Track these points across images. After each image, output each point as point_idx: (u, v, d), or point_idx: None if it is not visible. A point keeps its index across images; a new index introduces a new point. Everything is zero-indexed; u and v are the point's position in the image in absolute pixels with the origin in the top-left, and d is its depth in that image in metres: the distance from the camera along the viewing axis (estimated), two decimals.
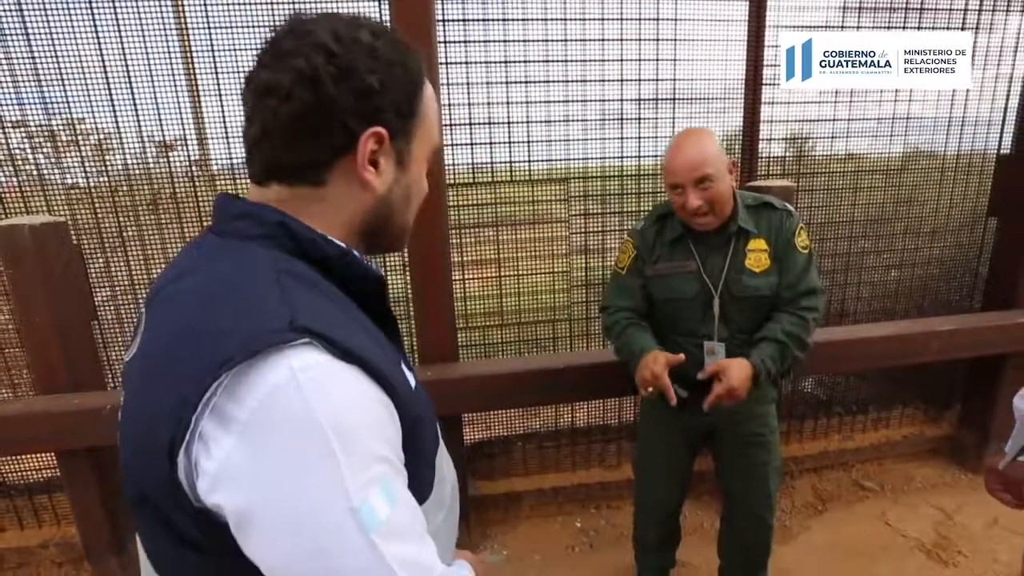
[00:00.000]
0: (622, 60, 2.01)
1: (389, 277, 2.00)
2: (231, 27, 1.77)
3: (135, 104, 1.83)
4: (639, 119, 2.08)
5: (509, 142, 2.02)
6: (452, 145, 1.97)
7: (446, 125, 1.90)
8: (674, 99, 2.08)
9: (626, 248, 1.49)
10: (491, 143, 2.01)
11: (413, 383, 0.57)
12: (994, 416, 2.44)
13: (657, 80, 2.05)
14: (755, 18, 2.03)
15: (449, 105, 1.92)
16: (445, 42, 1.85)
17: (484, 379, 1.87)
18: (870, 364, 2.19)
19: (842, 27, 2.12)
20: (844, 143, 2.31)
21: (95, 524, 1.85)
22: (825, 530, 2.18)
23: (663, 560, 1.80)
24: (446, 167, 1.89)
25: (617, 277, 1.50)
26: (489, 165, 2.05)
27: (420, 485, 0.55)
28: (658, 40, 2.01)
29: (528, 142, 2.04)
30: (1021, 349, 2.30)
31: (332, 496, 0.43)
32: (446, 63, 1.87)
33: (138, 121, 1.85)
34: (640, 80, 2.04)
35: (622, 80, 2.03)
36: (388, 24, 0.55)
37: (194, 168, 1.97)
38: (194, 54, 1.83)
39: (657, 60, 2.03)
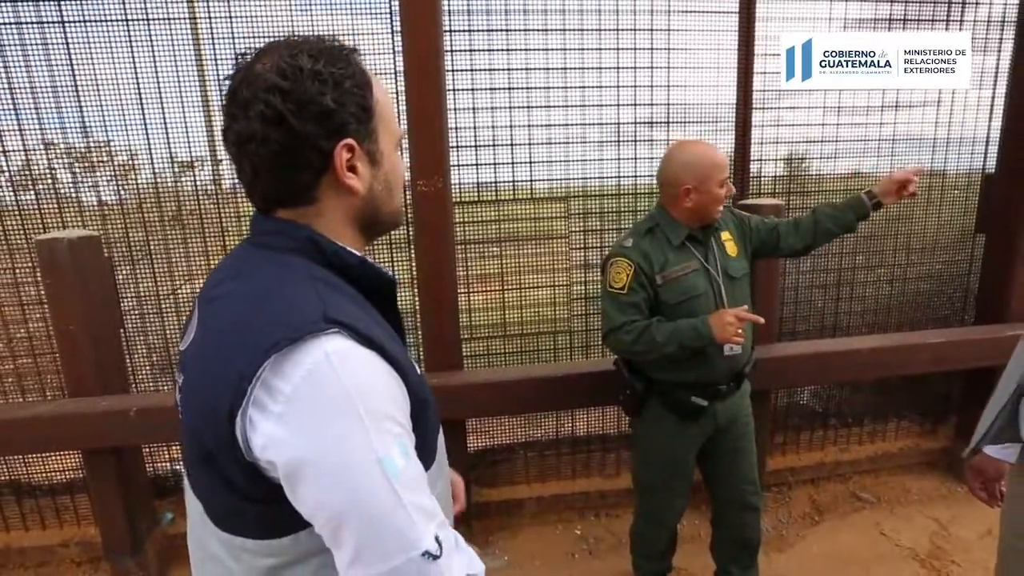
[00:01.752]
0: (618, 87, 2.14)
1: (398, 291, 2.10)
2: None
3: (165, 126, 1.98)
4: (635, 141, 2.20)
5: (512, 162, 2.15)
6: (459, 166, 2.09)
7: (453, 147, 2.02)
8: (668, 122, 2.20)
9: (621, 267, 1.49)
10: (495, 164, 2.14)
11: (419, 373, 0.67)
12: None
13: (652, 104, 2.18)
14: (744, 45, 2.16)
15: (456, 128, 2.04)
16: (453, 71, 1.99)
17: (486, 386, 1.97)
18: (860, 375, 2.26)
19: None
20: (833, 163, 2.41)
21: (115, 523, 1.94)
22: (820, 540, 2.22)
23: (662, 566, 1.85)
24: (452, 186, 2.01)
25: (617, 297, 1.50)
26: (493, 184, 2.17)
27: (426, 454, 0.65)
28: (652, 68, 2.14)
29: (530, 162, 2.16)
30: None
31: (362, 449, 0.53)
32: (454, 90, 2.01)
33: (167, 141, 1.99)
34: (636, 105, 2.17)
35: (618, 105, 2.15)
36: (323, 35, 0.63)
37: (212, 186, 2.11)
38: (209, 79, 1.97)
39: (652, 86, 2.16)
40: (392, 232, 1.49)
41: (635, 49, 2.11)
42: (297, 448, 0.52)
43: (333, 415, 0.53)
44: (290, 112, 0.56)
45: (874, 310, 2.58)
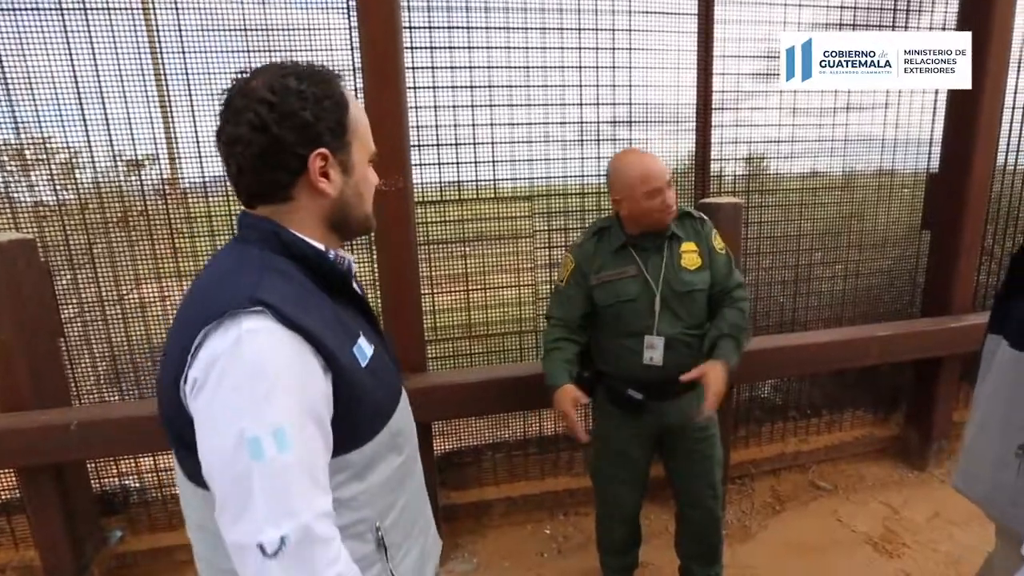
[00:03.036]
0: (581, 86, 2.14)
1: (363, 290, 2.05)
2: (204, 51, 1.84)
3: (107, 122, 1.87)
4: (598, 140, 2.21)
5: (476, 162, 2.12)
6: (421, 164, 2.05)
7: (414, 146, 1.99)
8: (631, 122, 2.22)
9: (567, 263, 1.62)
10: (458, 163, 2.11)
11: (367, 357, 0.73)
12: (935, 416, 2.60)
13: (614, 104, 2.19)
14: (703, 48, 2.20)
15: (418, 127, 2.01)
16: (413, 68, 1.95)
17: (452, 388, 1.94)
18: (817, 368, 2.33)
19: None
20: (790, 163, 2.48)
21: (57, 545, 1.82)
22: (782, 529, 2.28)
23: (627, 561, 1.87)
24: (415, 185, 1.98)
25: (558, 290, 1.63)
26: (457, 184, 2.14)
27: (359, 433, 0.71)
28: (614, 67, 2.15)
29: (494, 161, 2.14)
30: (955, 352, 2.47)
31: (236, 421, 0.58)
32: (414, 87, 1.97)
33: (111, 138, 1.88)
34: (599, 104, 2.18)
35: (581, 104, 2.16)
36: (313, 62, 0.73)
37: (165, 186, 2.01)
38: (166, 72, 1.88)
39: (614, 86, 2.17)
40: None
41: (597, 48, 2.12)
42: (197, 411, 0.61)
43: (228, 387, 0.59)
44: (274, 122, 0.66)
45: (830, 305, 2.67)
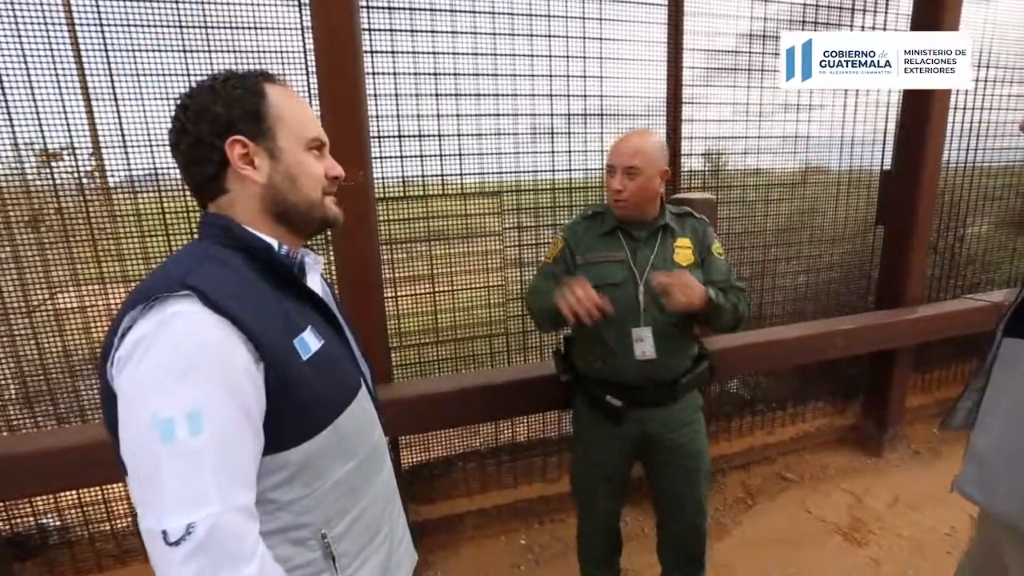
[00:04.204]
0: (551, 76, 2.04)
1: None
2: (128, 25, 1.60)
3: (8, 110, 1.60)
4: (569, 134, 2.12)
5: (440, 155, 1.99)
6: (381, 158, 1.90)
7: (374, 137, 1.83)
8: (602, 115, 2.15)
9: (556, 242, 1.58)
10: (422, 156, 1.96)
11: (310, 351, 0.70)
12: (890, 405, 2.70)
13: (585, 96, 2.11)
14: (673, 40, 2.15)
15: (378, 116, 1.85)
16: (372, 52, 1.79)
17: (422, 399, 1.80)
18: (787, 362, 2.36)
19: (750, 53, 2.30)
20: (753, 158, 2.49)
21: None
22: (755, 523, 2.29)
23: (608, 570, 1.80)
24: (375, 180, 1.82)
25: (544, 265, 1.58)
26: (420, 178, 2.00)
27: (296, 429, 0.68)
28: (585, 58, 2.07)
29: (460, 155, 2.01)
30: (909, 344, 2.57)
31: (149, 401, 0.57)
32: (373, 73, 1.81)
33: (12, 128, 1.62)
34: (569, 96, 2.09)
35: (551, 95, 2.06)
36: (255, 69, 0.76)
37: (85, 180, 1.75)
38: (84, 53, 1.63)
39: (585, 76, 2.09)
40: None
41: (567, 37, 2.03)
42: (119, 390, 0.60)
43: (146, 367, 0.58)
44: (190, 120, 0.70)
45: (793, 299, 2.72)
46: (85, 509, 1.89)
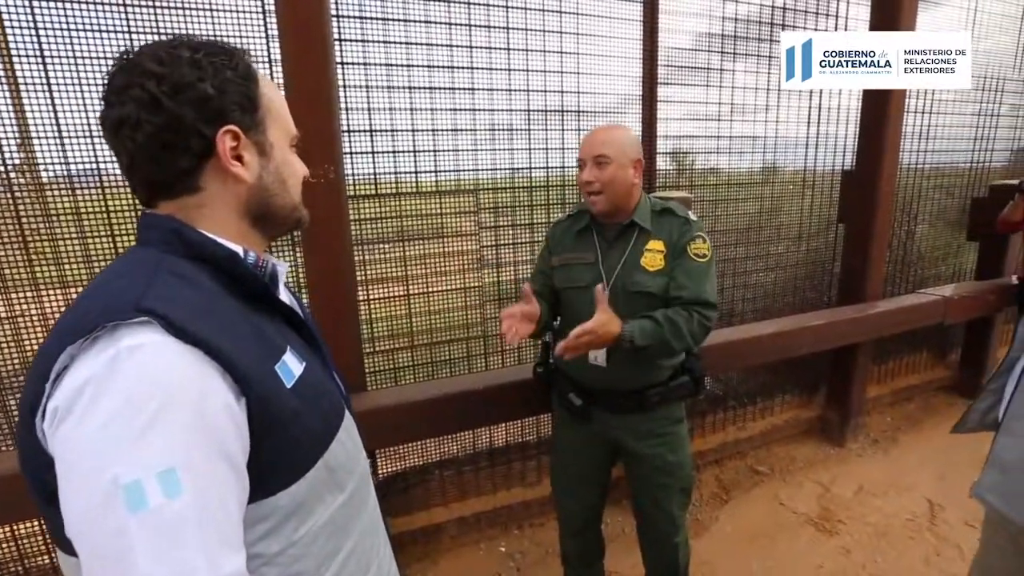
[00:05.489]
0: (528, 71, 1.99)
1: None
2: (63, 0, 1.43)
3: None
4: (546, 130, 2.07)
5: (414, 151, 1.90)
6: (352, 153, 1.79)
7: (344, 131, 1.72)
8: (579, 111, 2.11)
9: (545, 239, 1.58)
10: (395, 152, 1.87)
11: (294, 377, 0.60)
12: (852, 396, 2.81)
13: (562, 92, 2.07)
14: (648, 36, 2.14)
15: (347, 109, 1.74)
16: (340, 40, 1.68)
17: (399, 409, 1.71)
18: (761, 359, 2.39)
19: (733, 54, 2.32)
20: (716, 157, 2.52)
21: None
22: (732, 518, 2.32)
23: (590, 573, 1.77)
24: (345, 177, 1.71)
25: (537, 264, 1.60)
26: (393, 176, 1.90)
27: (286, 471, 0.58)
28: (562, 53, 2.02)
29: (435, 151, 1.93)
30: (871, 337, 2.67)
31: (107, 465, 0.44)
32: (342, 63, 1.70)
33: None
34: (546, 91, 2.04)
35: (528, 90, 2.01)
36: (214, 39, 0.62)
37: (12, 175, 1.56)
38: (10, 32, 1.45)
39: (562, 72, 2.04)
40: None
41: (544, 31, 1.98)
42: (56, 452, 0.47)
43: (97, 422, 0.45)
44: (164, 95, 0.56)
45: (762, 296, 2.77)
46: (20, 543, 1.69)
